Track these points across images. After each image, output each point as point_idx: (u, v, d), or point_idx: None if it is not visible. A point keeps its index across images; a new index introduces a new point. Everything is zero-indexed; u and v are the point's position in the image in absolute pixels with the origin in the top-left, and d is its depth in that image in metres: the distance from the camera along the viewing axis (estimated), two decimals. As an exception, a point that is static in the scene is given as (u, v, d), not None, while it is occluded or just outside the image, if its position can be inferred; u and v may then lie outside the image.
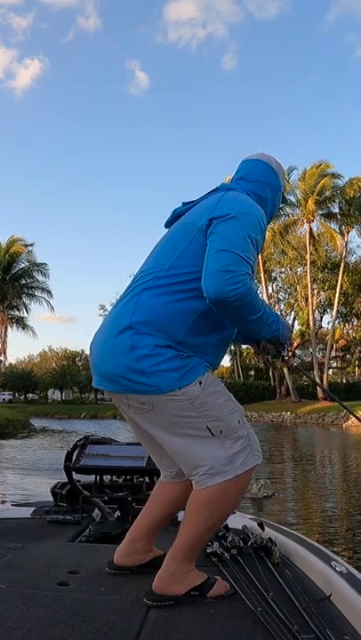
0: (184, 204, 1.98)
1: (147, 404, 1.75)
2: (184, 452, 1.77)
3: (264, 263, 39.86)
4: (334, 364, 50.59)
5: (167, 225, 1.99)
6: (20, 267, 45.76)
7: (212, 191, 1.92)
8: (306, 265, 38.73)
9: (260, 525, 2.36)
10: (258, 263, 37.61)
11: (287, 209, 36.80)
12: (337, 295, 38.54)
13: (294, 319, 44.74)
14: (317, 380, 38.10)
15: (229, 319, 1.77)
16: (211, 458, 1.73)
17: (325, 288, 42.64)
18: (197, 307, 1.73)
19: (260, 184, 1.97)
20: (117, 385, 1.77)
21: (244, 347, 55.29)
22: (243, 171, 2.03)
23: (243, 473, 1.74)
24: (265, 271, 40.37)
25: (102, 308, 51.35)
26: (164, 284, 1.77)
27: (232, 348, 55.12)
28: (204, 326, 1.76)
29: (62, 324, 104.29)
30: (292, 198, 36.02)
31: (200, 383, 1.73)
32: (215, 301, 1.66)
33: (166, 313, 1.74)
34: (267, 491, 8.63)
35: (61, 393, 62.56)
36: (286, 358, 1.97)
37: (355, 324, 47.46)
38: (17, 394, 62.48)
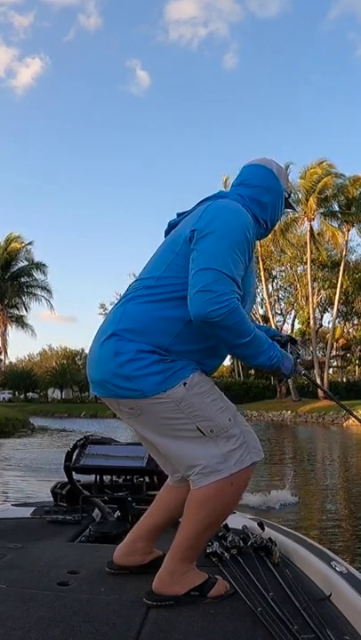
0: (178, 214, 1.98)
1: (135, 409, 1.77)
2: (178, 453, 1.78)
3: (264, 262, 39.83)
4: (335, 363, 50.61)
5: (165, 235, 2.00)
6: (20, 265, 45.80)
7: (204, 200, 1.91)
8: (306, 263, 38.72)
9: (260, 525, 2.36)
10: (258, 262, 37.75)
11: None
12: (337, 294, 38.55)
13: (295, 318, 44.77)
14: (318, 379, 38.14)
15: (219, 343, 1.76)
16: (204, 457, 1.73)
17: (326, 287, 42.65)
18: (185, 314, 1.71)
19: (259, 189, 1.95)
20: (107, 390, 1.80)
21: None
22: (243, 176, 2.01)
23: (239, 471, 1.74)
24: (265, 270, 40.33)
25: (102, 307, 51.52)
26: (152, 293, 1.79)
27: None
28: (193, 333, 1.75)
29: (63, 323, 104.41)
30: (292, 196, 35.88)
31: (185, 384, 1.73)
32: (199, 322, 1.66)
33: (152, 320, 1.75)
34: (294, 497, 8.21)
35: (61, 392, 62.56)
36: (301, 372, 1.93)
37: (355, 322, 47.47)
38: (17, 393, 62.47)
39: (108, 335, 1.78)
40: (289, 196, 2.08)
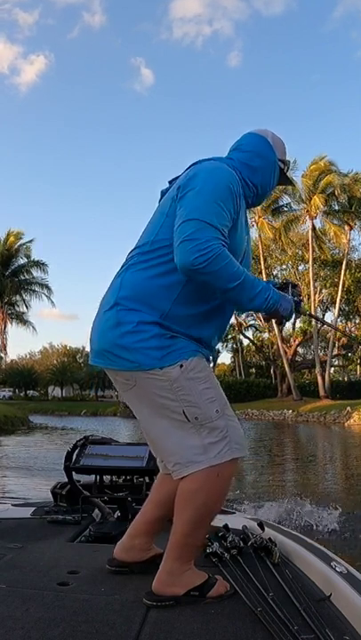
0: (170, 182, 1.99)
1: (130, 381, 1.79)
2: (160, 436, 1.79)
3: (265, 260, 39.76)
4: (336, 362, 50.52)
5: None
6: (19, 263, 45.80)
7: (194, 163, 1.92)
8: (307, 262, 38.63)
9: (260, 525, 2.36)
10: (259, 261, 37.72)
11: (291, 204, 36.80)
12: (339, 293, 38.48)
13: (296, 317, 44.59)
14: (319, 378, 38.25)
15: (211, 290, 1.76)
16: (183, 446, 1.73)
17: (327, 285, 42.58)
18: (182, 277, 1.73)
19: (251, 154, 1.98)
20: (105, 360, 1.81)
21: (245, 344, 55.39)
22: (239, 142, 2.05)
23: (220, 464, 1.72)
24: (266, 268, 40.25)
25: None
26: (148, 258, 1.81)
27: (233, 345, 55.17)
28: (191, 296, 1.77)
29: (64, 321, 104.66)
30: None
31: (181, 366, 1.73)
32: (185, 272, 1.68)
33: (150, 286, 1.77)
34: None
35: (61, 390, 62.60)
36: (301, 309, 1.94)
37: (357, 321, 47.41)
38: (17, 390, 62.53)
39: (110, 305, 1.81)
40: (287, 169, 2.09)
